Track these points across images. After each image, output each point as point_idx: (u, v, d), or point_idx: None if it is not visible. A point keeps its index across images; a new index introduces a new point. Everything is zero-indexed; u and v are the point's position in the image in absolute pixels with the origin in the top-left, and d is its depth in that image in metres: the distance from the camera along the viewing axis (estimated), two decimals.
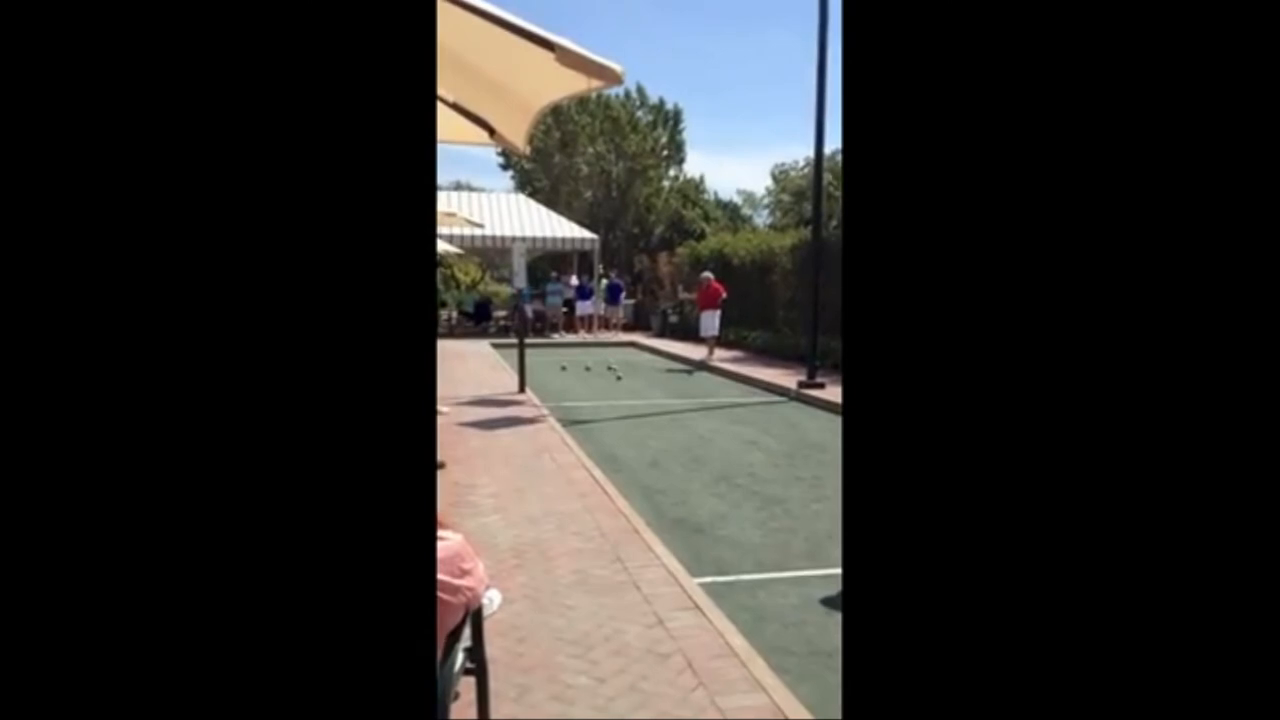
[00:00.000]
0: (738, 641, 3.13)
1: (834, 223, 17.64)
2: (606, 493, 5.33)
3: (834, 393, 9.67)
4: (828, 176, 20.17)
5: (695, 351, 14.47)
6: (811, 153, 10.88)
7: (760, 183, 57.06)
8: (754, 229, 24.99)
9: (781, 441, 7.52)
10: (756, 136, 60.26)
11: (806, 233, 12.23)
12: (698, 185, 31.33)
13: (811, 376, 10.33)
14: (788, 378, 10.93)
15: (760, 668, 2.93)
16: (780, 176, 26.96)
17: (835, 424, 8.42)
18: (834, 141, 31.08)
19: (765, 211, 30.20)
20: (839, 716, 2.70)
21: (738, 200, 33.47)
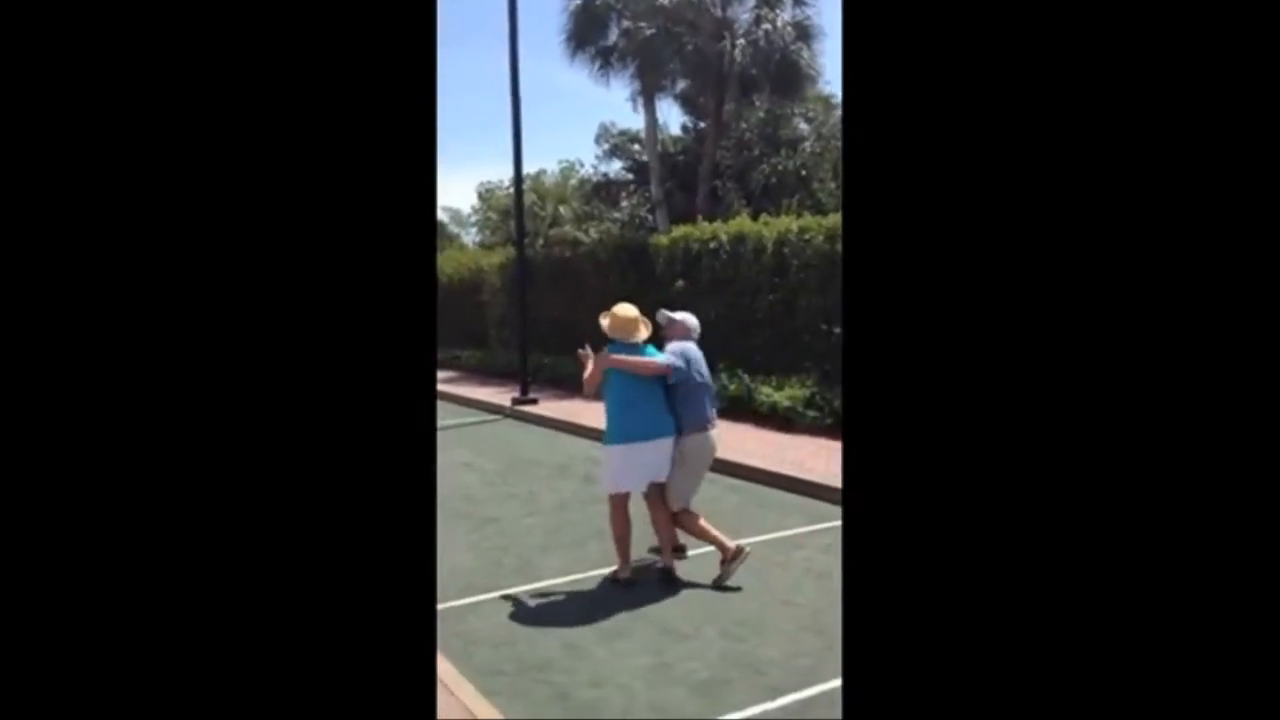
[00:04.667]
0: (445, 670, 3.09)
1: (540, 241, 18.02)
2: None
3: (547, 407, 9.89)
4: (531, 196, 20.56)
5: None
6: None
7: (466, 200, 56.66)
8: (462, 247, 24.77)
9: (496, 460, 7.55)
10: (458, 152, 59.83)
11: (514, 251, 12.38)
12: None
13: (524, 393, 10.46)
14: (502, 396, 10.97)
15: (468, 692, 2.92)
16: (486, 195, 27.02)
17: (549, 439, 8.61)
18: (533, 162, 31.58)
19: (474, 229, 30.07)
20: None
21: (444, 218, 33.01)
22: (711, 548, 4.16)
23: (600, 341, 4.20)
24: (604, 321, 4.18)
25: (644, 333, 4.17)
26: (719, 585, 4.03)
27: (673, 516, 4.22)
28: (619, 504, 4.12)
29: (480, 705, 2.83)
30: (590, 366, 4.11)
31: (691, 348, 4.20)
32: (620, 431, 4.06)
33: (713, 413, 4.26)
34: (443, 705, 2.81)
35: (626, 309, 4.23)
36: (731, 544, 4.13)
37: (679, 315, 4.33)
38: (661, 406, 4.08)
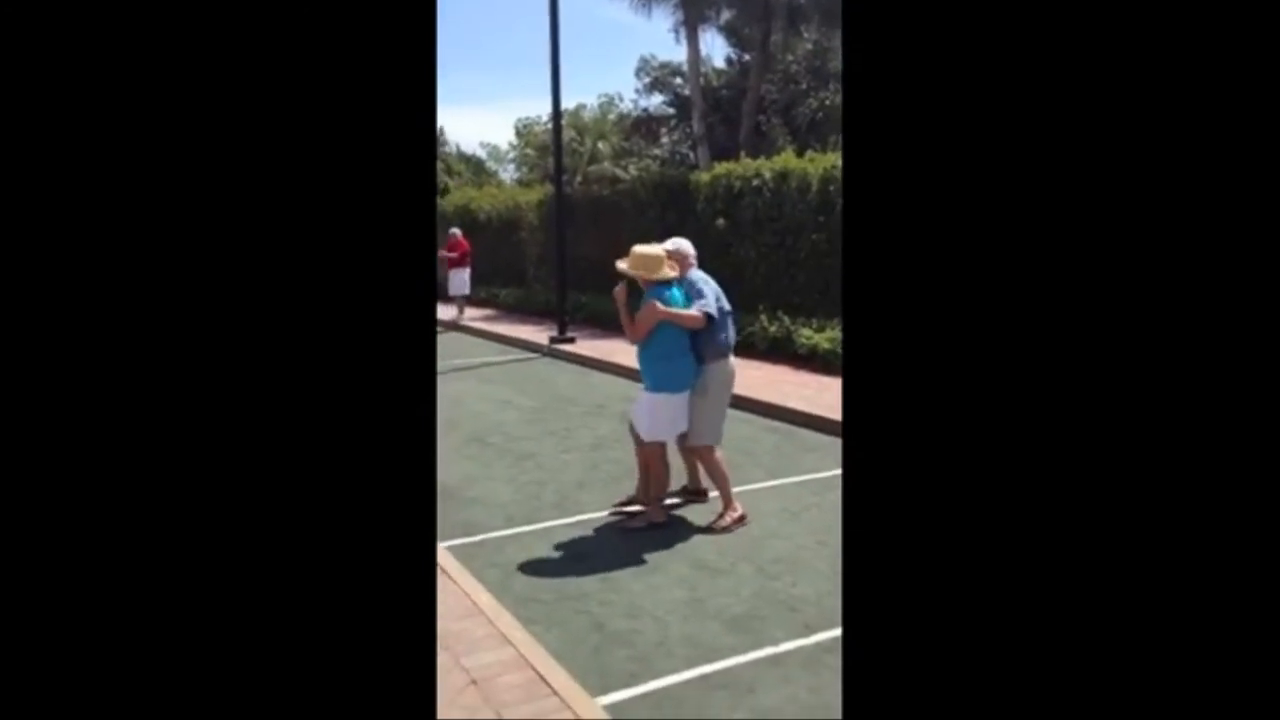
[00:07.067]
0: (484, 599, 3.16)
1: (578, 178, 17.85)
2: None
3: (584, 346, 9.92)
4: (570, 132, 20.30)
5: (445, 311, 14.12)
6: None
7: (504, 136, 56.07)
8: (500, 184, 24.67)
9: (534, 398, 7.61)
10: (497, 89, 59.08)
11: (553, 188, 12.29)
12: (438, 137, 30.25)
13: (562, 331, 10.50)
14: (540, 334, 11.03)
15: (508, 622, 2.99)
16: (524, 131, 26.76)
17: (586, 377, 8.65)
18: (571, 97, 31.07)
19: (511, 166, 29.87)
20: (583, 655, 2.83)
21: (482, 154, 32.83)
22: (739, 493, 4.18)
23: (636, 289, 4.11)
24: (622, 265, 4.05)
25: (670, 271, 4.06)
26: (710, 529, 4.03)
27: (697, 452, 4.22)
28: (659, 453, 4.13)
29: (517, 633, 2.90)
30: (622, 309, 4.07)
31: (708, 279, 4.16)
32: (662, 382, 4.04)
33: (733, 339, 4.23)
34: (481, 634, 2.88)
35: (649, 247, 4.12)
36: (740, 507, 4.12)
37: (673, 245, 4.18)
38: (690, 357, 4.07)
